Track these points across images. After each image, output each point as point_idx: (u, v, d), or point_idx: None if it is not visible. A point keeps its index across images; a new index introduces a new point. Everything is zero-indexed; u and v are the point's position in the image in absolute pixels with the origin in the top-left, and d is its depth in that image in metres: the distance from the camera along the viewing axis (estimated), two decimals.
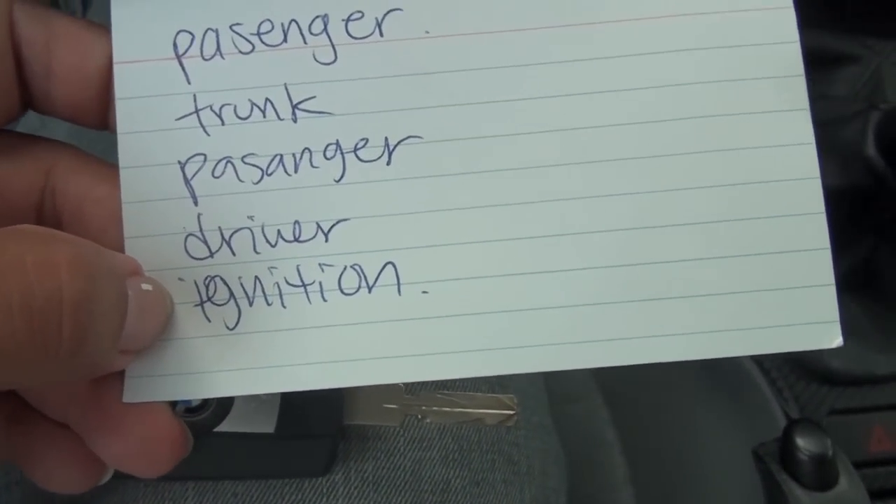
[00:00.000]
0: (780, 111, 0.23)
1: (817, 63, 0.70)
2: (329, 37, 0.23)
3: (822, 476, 0.44)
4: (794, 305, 0.22)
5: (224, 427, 0.30)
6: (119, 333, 0.20)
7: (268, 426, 0.30)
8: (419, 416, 0.30)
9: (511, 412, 0.28)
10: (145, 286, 0.21)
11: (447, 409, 0.30)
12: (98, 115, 0.23)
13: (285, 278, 0.23)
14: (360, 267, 0.23)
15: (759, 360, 0.60)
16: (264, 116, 0.23)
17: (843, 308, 0.70)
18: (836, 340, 0.23)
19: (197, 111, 0.23)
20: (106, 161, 0.23)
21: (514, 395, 0.31)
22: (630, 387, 0.51)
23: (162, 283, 0.22)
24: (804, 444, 0.43)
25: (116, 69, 0.22)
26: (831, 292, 0.23)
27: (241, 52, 0.23)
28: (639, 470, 0.50)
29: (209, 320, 0.23)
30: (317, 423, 0.31)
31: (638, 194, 0.23)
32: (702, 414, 0.55)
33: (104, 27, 0.23)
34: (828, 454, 0.43)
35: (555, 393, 0.45)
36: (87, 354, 0.19)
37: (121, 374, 0.22)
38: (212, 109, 0.23)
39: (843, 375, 0.63)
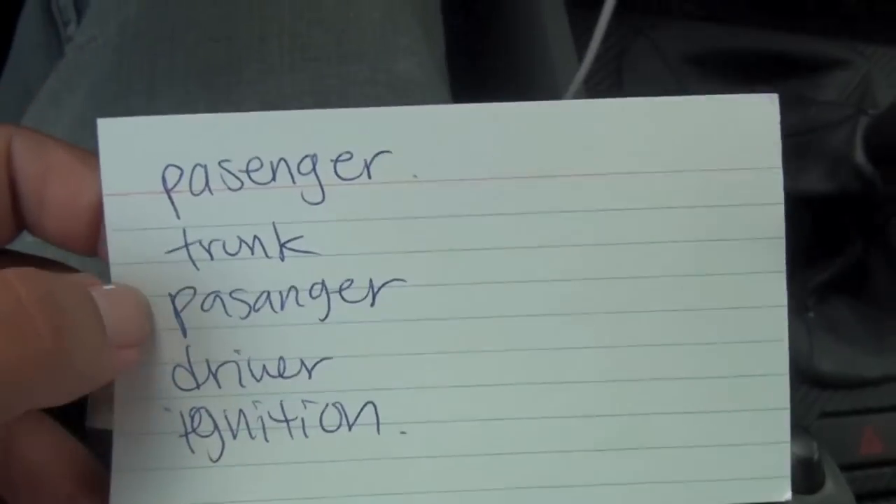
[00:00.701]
0: (757, 273, 0.23)
1: (807, 68, 0.70)
2: (317, 177, 0.23)
3: (808, 479, 0.44)
4: (753, 461, 0.24)
5: None
6: (99, 324, 0.20)
7: None
8: None
9: None
10: (107, 287, 0.22)
11: None
12: (88, 244, 0.23)
13: (269, 413, 0.23)
14: (341, 405, 0.23)
15: None
16: (252, 253, 0.23)
17: (833, 311, 0.70)
18: (786, 495, 0.24)
19: (187, 245, 0.23)
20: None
21: None
22: None
23: (147, 413, 0.23)
24: (790, 447, 0.43)
25: (106, 201, 0.23)
26: (786, 450, 0.24)
27: (229, 188, 0.23)
28: None
29: (193, 451, 0.23)
30: None
31: (613, 348, 0.23)
32: None
33: (97, 159, 0.23)
34: (814, 457, 0.44)
35: None
36: (77, 354, 0.19)
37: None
38: (201, 244, 0.23)
39: (833, 378, 0.63)
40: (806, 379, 0.63)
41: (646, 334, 0.23)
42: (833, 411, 0.63)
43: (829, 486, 0.45)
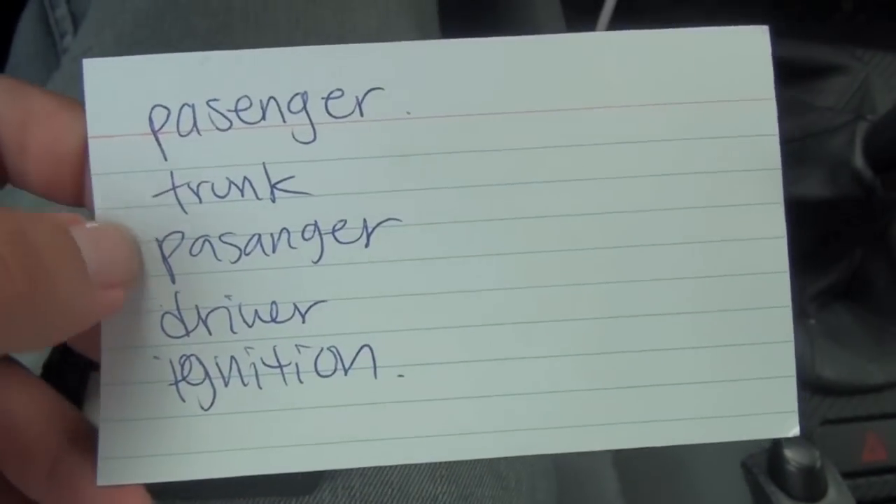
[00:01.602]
0: (755, 204, 0.23)
1: (806, 74, 0.70)
2: (308, 115, 0.22)
3: (810, 487, 0.44)
4: (758, 395, 0.23)
5: None
6: (79, 263, 0.20)
7: None
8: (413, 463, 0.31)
9: None
10: (91, 224, 0.21)
11: None
12: (72, 192, 0.23)
13: (262, 359, 0.23)
14: (336, 349, 0.23)
15: None
16: (242, 195, 0.22)
17: (835, 318, 0.70)
18: (794, 430, 0.23)
19: (174, 188, 0.22)
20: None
21: None
22: None
23: (135, 362, 0.22)
24: (792, 455, 0.43)
25: (91, 144, 0.22)
26: (792, 384, 0.23)
27: (218, 128, 0.22)
28: (630, 483, 0.50)
29: (184, 400, 0.22)
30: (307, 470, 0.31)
31: (612, 283, 0.23)
32: None
33: (80, 105, 0.22)
34: (816, 465, 0.44)
35: None
36: (55, 294, 0.19)
37: (95, 457, 0.22)
38: (189, 187, 0.22)
39: (835, 385, 0.63)
40: (808, 386, 0.63)
41: (647, 269, 0.23)
42: (835, 418, 0.63)
43: (832, 494, 0.45)
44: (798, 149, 0.61)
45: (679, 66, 0.23)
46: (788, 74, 0.68)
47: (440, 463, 0.35)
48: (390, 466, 0.34)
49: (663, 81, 0.23)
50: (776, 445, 0.45)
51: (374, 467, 0.34)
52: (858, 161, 0.58)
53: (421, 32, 0.48)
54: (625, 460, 0.51)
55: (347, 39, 0.44)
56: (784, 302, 0.23)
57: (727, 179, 0.23)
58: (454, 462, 0.36)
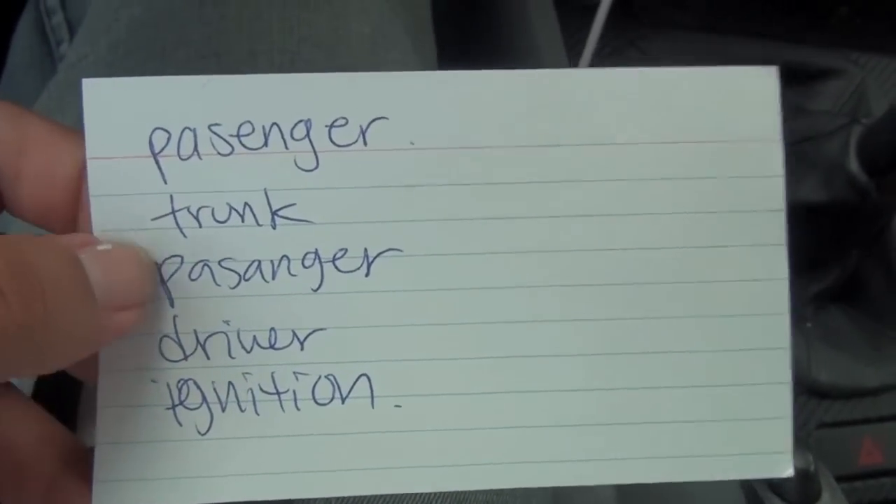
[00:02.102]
0: (758, 245, 0.23)
1: (802, 77, 0.71)
2: (311, 143, 0.22)
3: (804, 491, 0.44)
4: (754, 436, 0.23)
5: None
6: (85, 289, 0.20)
7: None
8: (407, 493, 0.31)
9: None
10: (102, 247, 0.21)
11: None
12: (66, 219, 0.23)
13: (259, 385, 0.23)
14: (334, 377, 0.23)
15: None
16: (243, 221, 0.22)
17: (831, 321, 0.70)
18: (788, 470, 0.23)
19: (174, 212, 0.22)
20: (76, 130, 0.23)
21: None
22: None
23: (133, 385, 0.22)
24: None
25: (90, 165, 0.22)
26: (788, 425, 0.23)
27: (219, 153, 0.22)
28: (625, 486, 0.50)
29: (181, 424, 0.22)
30: (302, 497, 0.31)
31: (613, 320, 0.23)
32: None
33: (78, 132, 0.22)
34: (810, 469, 0.44)
35: None
36: (54, 321, 0.19)
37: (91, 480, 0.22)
38: (189, 211, 0.22)
39: (831, 389, 0.63)
40: (804, 389, 0.63)
41: (644, 307, 0.23)
42: (831, 422, 0.63)
43: (826, 498, 0.45)
44: (793, 153, 0.61)
45: (686, 104, 0.23)
46: (784, 78, 0.68)
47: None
48: None
49: (670, 119, 0.23)
50: None
51: None
52: (853, 165, 0.58)
53: (414, 38, 0.48)
54: None
55: (341, 46, 0.44)
56: (783, 344, 0.23)
57: (731, 220, 0.23)
58: None
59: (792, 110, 0.65)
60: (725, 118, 0.23)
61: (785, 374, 0.23)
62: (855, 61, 0.71)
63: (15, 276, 0.18)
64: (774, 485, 0.45)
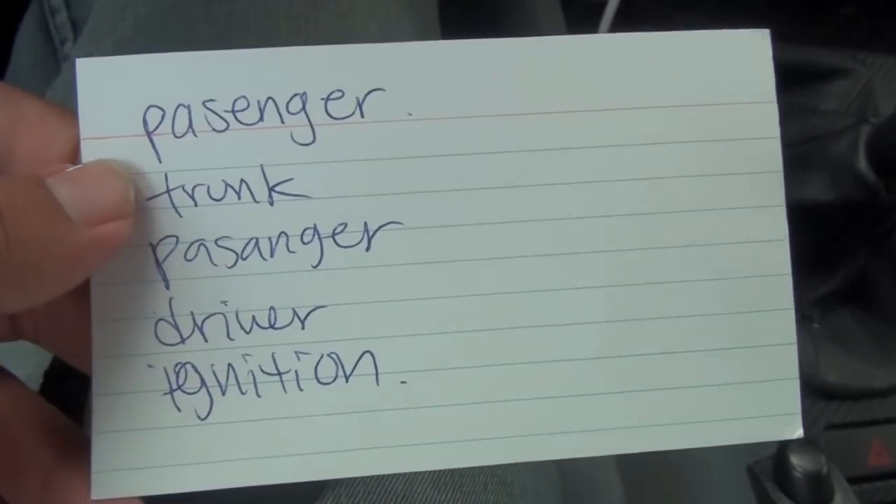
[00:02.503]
0: (756, 207, 0.23)
1: (809, 77, 0.70)
2: (308, 116, 0.22)
3: (816, 494, 0.44)
4: (762, 398, 0.23)
5: None
6: (51, 204, 0.19)
7: None
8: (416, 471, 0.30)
9: None
10: (73, 168, 0.21)
11: None
12: None
13: (260, 366, 0.22)
14: (337, 355, 0.22)
15: None
16: (239, 198, 0.22)
17: (838, 322, 0.70)
18: (798, 432, 0.23)
19: (168, 191, 0.22)
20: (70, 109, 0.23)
21: None
22: None
23: (128, 371, 0.22)
24: (798, 461, 0.43)
25: (83, 145, 0.22)
26: (796, 386, 0.23)
27: (214, 129, 0.22)
28: (634, 488, 0.50)
29: (179, 410, 0.22)
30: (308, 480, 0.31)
31: (614, 287, 0.23)
32: None
33: (71, 111, 0.22)
34: (822, 471, 0.43)
35: None
36: (28, 242, 0.18)
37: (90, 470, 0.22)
38: (184, 189, 0.22)
39: (840, 390, 0.63)
40: (812, 390, 0.63)
41: (646, 272, 0.23)
42: (840, 423, 0.63)
43: (838, 500, 0.44)
44: (801, 152, 0.61)
45: (681, 68, 0.23)
46: (791, 78, 0.68)
47: (444, 470, 0.35)
48: (394, 474, 0.34)
49: (665, 84, 0.23)
50: (782, 451, 0.45)
51: (376, 477, 0.34)
52: (862, 164, 0.58)
53: (421, 38, 0.48)
54: (629, 466, 0.51)
55: (348, 43, 0.44)
56: (787, 304, 0.23)
57: (729, 182, 0.23)
58: (458, 469, 0.35)
59: (799, 110, 0.64)
60: (720, 81, 0.23)
61: (790, 335, 0.23)
62: (861, 61, 0.71)
63: None
64: (786, 487, 0.44)
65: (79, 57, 0.46)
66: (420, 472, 0.35)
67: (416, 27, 0.48)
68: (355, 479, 0.33)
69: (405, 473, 0.34)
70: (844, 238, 0.63)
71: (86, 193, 0.20)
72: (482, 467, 0.36)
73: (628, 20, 0.61)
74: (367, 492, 0.33)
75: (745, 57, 0.23)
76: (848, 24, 0.73)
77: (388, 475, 0.34)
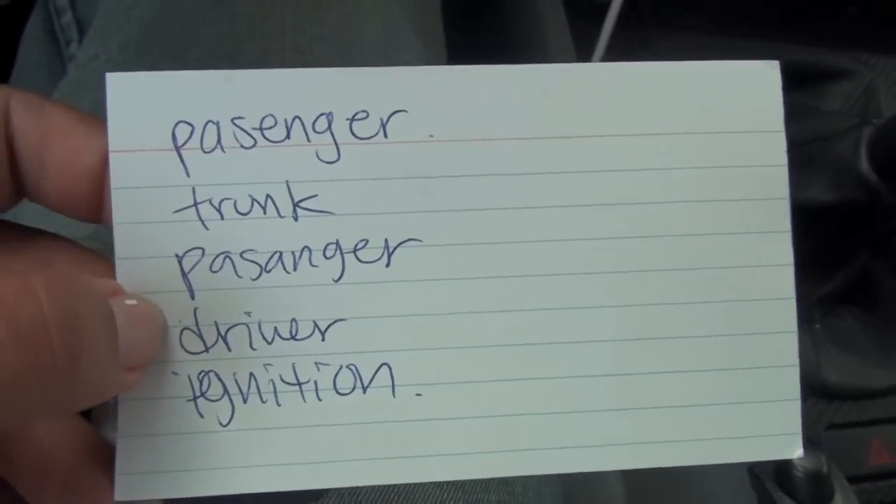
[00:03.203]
0: (763, 232, 0.24)
1: (812, 78, 0.70)
2: (333, 135, 0.23)
3: (817, 493, 0.44)
4: (764, 418, 0.24)
5: None
6: (114, 346, 0.20)
7: None
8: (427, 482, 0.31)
9: None
10: (130, 301, 0.21)
11: None
12: (90, 209, 0.23)
13: (280, 376, 0.23)
14: (355, 367, 0.23)
15: None
16: (265, 213, 0.22)
17: (840, 322, 0.70)
18: (798, 452, 0.24)
19: (196, 204, 0.22)
20: (105, 256, 0.23)
21: None
22: None
23: (154, 377, 0.22)
24: (799, 461, 0.43)
25: (112, 158, 0.22)
26: (797, 407, 0.24)
27: (242, 146, 0.22)
28: (636, 488, 0.50)
29: (202, 416, 0.23)
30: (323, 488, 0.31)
31: (623, 307, 0.23)
32: None
33: (100, 121, 0.22)
34: (823, 471, 0.43)
35: None
36: (87, 374, 0.19)
37: (111, 472, 0.22)
38: (211, 203, 0.22)
39: (840, 390, 0.63)
40: (813, 390, 0.63)
41: (655, 293, 0.24)
42: (841, 423, 0.63)
43: (839, 500, 0.45)
44: (803, 153, 0.61)
45: (692, 97, 0.24)
46: (794, 79, 0.68)
47: None
48: None
49: (677, 112, 0.24)
50: None
51: None
52: (863, 165, 0.58)
53: (424, 39, 0.48)
54: None
55: (352, 46, 0.44)
56: (790, 328, 0.24)
57: (736, 208, 0.24)
58: None
59: (802, 111, 0.64)
60: (731, 111, 0.24)
61: (793, 357, 0.24)
62: (864, 62, 0.71)
63: (65, 325, 0.18)
64: (787, 486, 0.45)
65: (84, 57, 0.46)
66: None
67: (420, 29, 0.48)
68: None
69: None
70: (846, 239, 0.63)
71: (136, 340, 0.21)
72: None
73: (631, 21, 0.62)
74: (370, 490, 0.34)
75: (754, 87, 0.24)
76: (852, 25, 0.73)
77: None
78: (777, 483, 0.46)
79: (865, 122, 0.60)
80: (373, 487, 0.34)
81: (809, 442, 0.45)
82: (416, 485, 0.35)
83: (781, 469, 0.45)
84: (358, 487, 0.34)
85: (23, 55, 0.55)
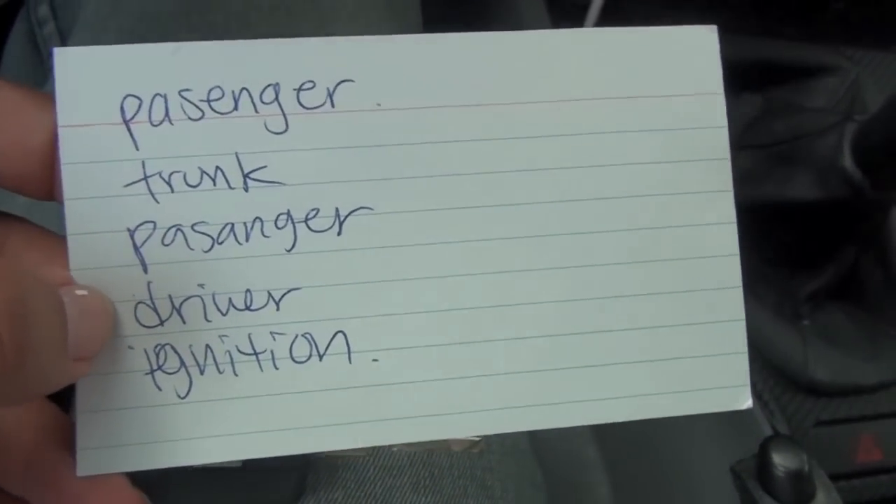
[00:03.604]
0: (706, 192, 0.24)
1: (796, 74, 0.70)
2: (280, 106, 0.23)
3: (798, 492, 0.44)
4: (713, 372, 0.25)
5: None
6: (64, 337, 0.20)
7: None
8: (387, 444, 0.31)
9: (476, 438, 0.29)
10: (80, 291, 0.21)
11: None
12: (43, 186, 0.23)
13: (237, 346, 0.23)
14: (311, 335, 0.23)
15: None
16: (215, 185, 0.22)
17: (828, 318, 0.70)
18: (747, 403, 0.25)
19: (146, 178, 0.22)
20: (60, 235, 0.23)
21: None
22: None
23: (110, 352, 0.22)
24: (780, 460, 0.43)
25: (61, 133, 0.22)
26: (744, 360, 0.25)
27: (190, 118, 0.22)
28: (621, 490, 0.50)
29: (160, 389, 0.23)
30: (284, 455, 0.31)
31: (570, 268, 0.24)
32: (686, 429, 0.55)
33: (49, 98, 0.22)
34: (804, 469, 0.43)
35: None
36: (36, 366, 0.19)
37: (73, 448, 0.22)
38: (161, 176, 0.22)
39: (828, 386, 0.63)
40: (801, 387, 0.63)
41: (602, 254, 0.24)
42: (829, 419, 0.63)
43: (821, 498, 0.45)
44: (787, 150, 0.61)
45: (634, 62, 0.24)
46: (778, 76, 0.68)
47: (424, 474, 0.36)
48: (372, 479, 0.34)
49: (620, 77, 0.24)
50: (764, 449, 0.45)
51: (356, 481, 0.34)
52: (847, 162, 0.58)
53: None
54: (615, 466, 0.51)
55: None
56: (735, 283, 0.25)
57: (680, 169, 0.24)
58: (437, 473, 0.36)
59: (786, 108, 0.64)
60: (672, 74, 0.24)
61: (739, 312, 0.25)
62: (849, 58, 0.71)
63: (13, 319, 0.18)
64: (769, 486, 0.45)
65: None
66: (400, 477, 0.35)
67: (396, 30, 0.49)
68: (334, 482, 0.33)
69: (385, 478, 0.35)
70: (832, 235, 0.63)
71: (87, 332, 0.21)
72: (462, 472, 0.37)
73: (613, 19, 0.62)
74: (347, 496, 0.34)
75: (694, 51, 0.24)
76: (837, 21, 0.73)
77: (368, 479, 0.34)
78: (759, 482, 0.46)
79: (848, 119, 0.60)
80: (349, 493, 0.34)
81: (791, 441, 0.45)
82: (392, 490, 0.35)
83: (763, 469, 0.45)
84: (334, 493, 0.34)
85: (6, 65, 0.55)
